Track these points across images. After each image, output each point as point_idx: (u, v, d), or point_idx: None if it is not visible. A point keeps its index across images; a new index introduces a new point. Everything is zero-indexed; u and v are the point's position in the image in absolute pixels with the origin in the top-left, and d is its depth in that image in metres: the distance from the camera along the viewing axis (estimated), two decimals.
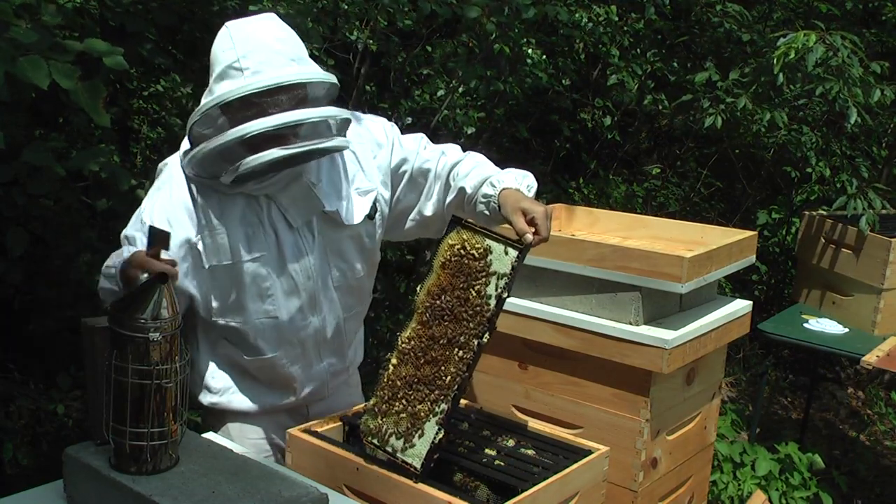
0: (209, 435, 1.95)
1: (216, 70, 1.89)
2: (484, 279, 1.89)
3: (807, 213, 4.25)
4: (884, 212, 3.97)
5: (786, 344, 4.11)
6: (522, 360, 2.66)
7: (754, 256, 2.86)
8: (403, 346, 1.94)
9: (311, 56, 2.08)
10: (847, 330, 3.84)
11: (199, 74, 3.37)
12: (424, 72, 4.85)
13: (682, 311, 2.66)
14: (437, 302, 1.92)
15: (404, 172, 2.17)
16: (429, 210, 2.19)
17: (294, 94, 1.87)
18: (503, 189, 2.00)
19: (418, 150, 2.17)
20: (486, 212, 2.03)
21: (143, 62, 3.06)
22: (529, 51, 4.76)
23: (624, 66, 5.11)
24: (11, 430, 2.88)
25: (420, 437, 1.86)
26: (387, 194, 2.17)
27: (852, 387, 5.43)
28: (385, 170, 2.15)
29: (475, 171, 2.11)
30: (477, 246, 1.92)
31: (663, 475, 2.62)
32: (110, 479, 1.57)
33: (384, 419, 1.92)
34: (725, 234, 2.82)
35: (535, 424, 2.19)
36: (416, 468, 1.82)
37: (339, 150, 2.00)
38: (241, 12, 3.44)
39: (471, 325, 1.87)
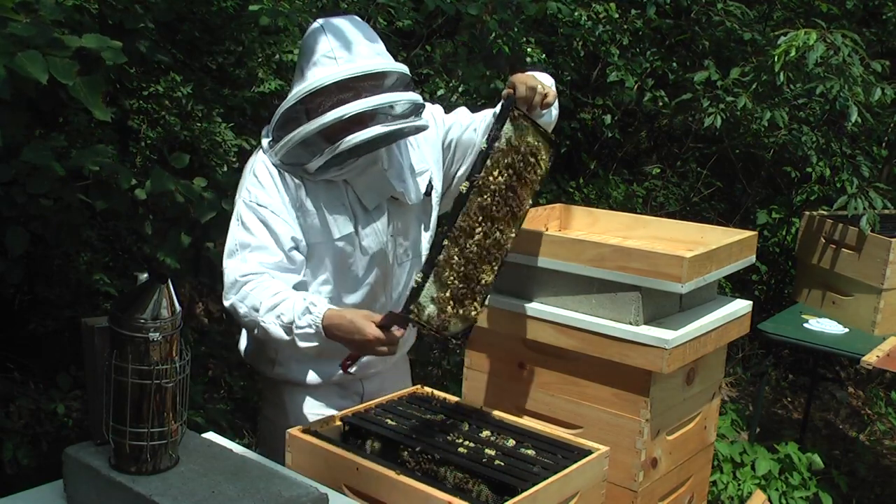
0: (209, 435, 1.95)
1: (309, 58, 2.06)
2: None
3: (807, 213, 4.25)
4: (885, 212, 3.97)
5: (786, 344, 4.11)
6: (522, 360, 2.66)
7: (754, 256, 2.86)
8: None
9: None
10: (847, 330, 3.84)
11: (199, 74, 3.37)
12: (424, 71, 4.85)
13: (682, 311, 2.66)
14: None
15: (451, 140, 2.34)
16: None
17: (378, 83, 2.05)
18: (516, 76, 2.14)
19: (459, 119, 2.36)
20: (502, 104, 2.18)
21: (142, 61, 3.05)
22: (529, 49, 4.76)
23: (624, 65, 5.11)
24: (11, 430, 2.88)
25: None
26: (439, 172, 2.34)
27: (852, 387, 5.43)
28: (438, 146, 2.33)
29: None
30: None
31: (663, 475, 2.62)
32: (110, 479, 1.57)
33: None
34: (725, 234, 2.81)
35: (535, 424, 2.18)
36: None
37: (424, 129, 2.18)
38: (241, 12, 3.45)
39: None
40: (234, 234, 2.14)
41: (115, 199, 2.60)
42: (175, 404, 1.60)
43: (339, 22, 2.09)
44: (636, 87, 5.28)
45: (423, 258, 2.36)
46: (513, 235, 2.09)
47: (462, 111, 2.41)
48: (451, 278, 1.99)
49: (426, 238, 2.37)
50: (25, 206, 2.52)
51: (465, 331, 2.05)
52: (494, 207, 2.03)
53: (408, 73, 2.12)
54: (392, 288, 2.32)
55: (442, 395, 2.30)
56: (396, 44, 4.58)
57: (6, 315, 3.13)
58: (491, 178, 2.02)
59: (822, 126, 4.88)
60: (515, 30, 4.47)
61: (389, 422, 2.12)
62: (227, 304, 2.09)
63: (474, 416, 2.19)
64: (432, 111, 2.34)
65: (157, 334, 1.54)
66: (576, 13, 4.88)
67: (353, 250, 2.21)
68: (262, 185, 2.14)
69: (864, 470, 4.37)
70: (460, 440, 2.04)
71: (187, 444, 1.69)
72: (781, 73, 3.95)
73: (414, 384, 2.44)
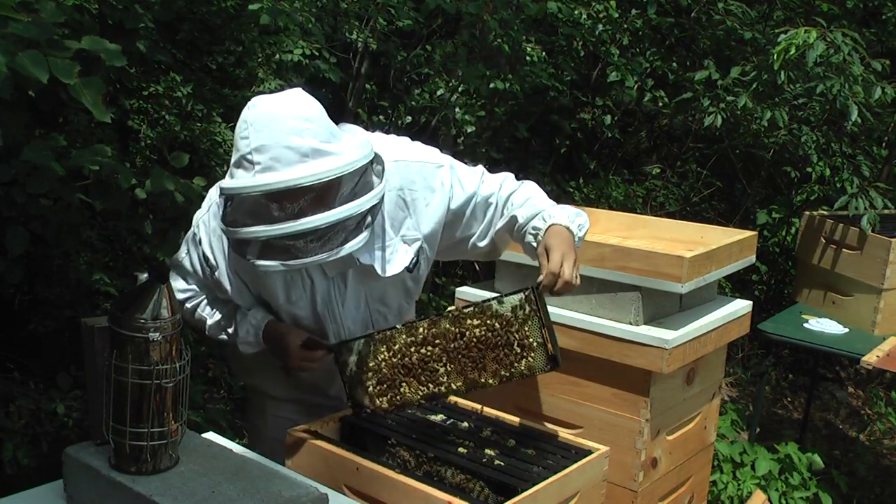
0: (209, 435, 1.95)
1: (234, 155, 1.86)
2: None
3: (807, 213, 4.25)
4: (886, 211, 3.97)
5: (786, 344, 4.11)
6: None
7: (754, 256, 2.86)
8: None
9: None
10: (847, 330, 3.83)
11: (199, 74, 3.37)
12: (424, 71, 4.86)
13: (682, 311, 2.66)
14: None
15: (465, 211, 2.15)
16: (485, 240, 2.19)
17: (308, 194, 1.81)
18: (552, 224, 2.01)
19: (478, 187, 2.14)
20: (534, 244, 2.03)
21: (142, 61, 3.05)
22: (529, 48, 4.76)
23: (624, 65, 5.11)
24: (11, 430, 2.88)
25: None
26: (435, 239, 2.14)
27: (852, 387, 5.43)
28: (440, 215, 2.11)
29: (529, 202, 2.11)
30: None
31: (663, 475, 2.62)
32: (110, 479, 1.57)
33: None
34: (725, 234, 2.82)
35: (535, 424, 2.18)
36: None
37: (344, 255, 1.92)
38: (241, 11, 3.45)
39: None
40: (181, 251, 2.19)
41: (114, 199, 2.60)
42: (175, 404, 1.60)
43: (269, 114, 1.82)
44: (636, 87, 5.28)
45: (402, 320, 2.27)
46: (453, 389, 1.95)
47: (481, 176, 2.16)
48: (382, 358, 1.98)
49: (409, 302, 2.25)
50: (25, 206, 2.52)
51: (365, 408, 2.04)
52: (453, 345, 1.92)
53: (337, 173, 1.81)
54: None
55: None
56: (396, 44, 4.58)
57: (6, 315, 3.13)
58: (469, 321, 1.91)
59: (822, 126, 4.88)
60: (515, 29, 4.47)
61: (389, 421, 2.12)
62: None
63: (474, 417, 2.19)
64: (442, 176, 2.09)
65: (157, 334, 1.54)
66: (576, 12, 4.88)
67: (306, 315, 2.12)
68: (213, 227, 2.08)
69: (864, 470, 4.37)
70: (460, 440, 2.04)
71: (187, 444, 1.68)
72: (782, 72, 3.95)
73: None
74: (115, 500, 1.57)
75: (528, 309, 1.88)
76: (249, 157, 1.81)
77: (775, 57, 3.85)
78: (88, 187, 2.57)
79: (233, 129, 2.11)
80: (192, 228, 2.17)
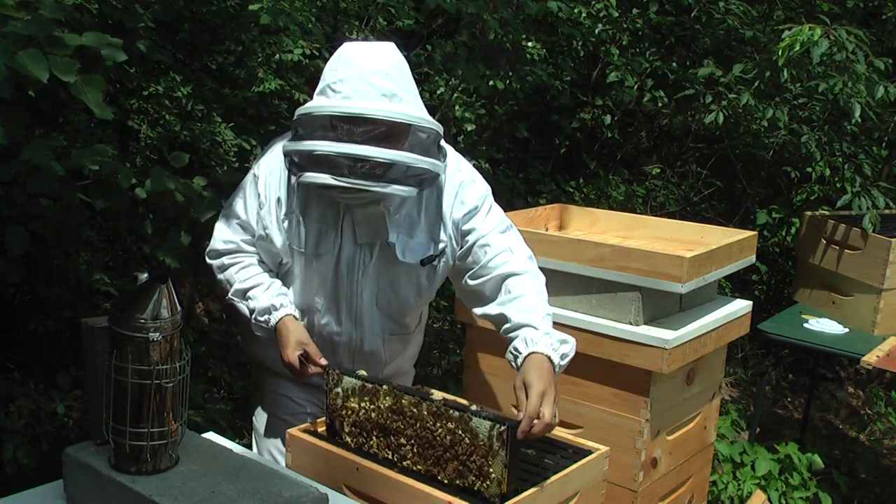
0: (209, 435, 1.95)
1: (320, 84, 2.03)
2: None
3: (807, 213, 4.25)
4: (886, 211, 3.97)
5: (786, 344, 4.11)
6: None
7: (754, 256, 2.86)
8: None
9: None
10: (847, 330, 3.83)
11: (199, 74, 3.37)
12: (424, 71, 4.85)
13: (682, 311, 2.67)
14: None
15: (468, 240, 2.19)
16: (475, 282, 2.19)
17: (375, 129, 1.92)
18: (532, 352, 1.96)
19: (492, 231, 2.18)
20: (513, 365, 2.02)
21: (142, 61, 3.05)
22: (529, 45, 4.76)
23: (624, 65, 5.12)
24: (11, 430, 2.88)
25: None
26: (455, 251, 2.20)
27: (852, 387, 5.43)
28: (457, 226, 2.18)
29: (521, 301, 2.08)
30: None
31: (663, 475, 2.62)
32: (110, 479, 1.57)
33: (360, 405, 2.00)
34: (725, 234, 2.82)
35: None
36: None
37: (385, 200, 2.03)
38: (241, 11, 3.45)
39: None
40: (236, 195, 2.24)
41: (114, 199, 2.59)
42: (175, 404, 1.60)
43: (361, 53, 2.00)
44: (636, 87, 5.28)
45: (411, 321, 2.32)
46: (412, 469, 1.91)
47: (501, 224, 2.21)
48: (363, 406, 1.98)
49: (417, 298, 2.25)
50: (25, 205, 2.52)
51: (340, 436, 2.03)
52: (423, 434, 1.89)
53: (408, 121, 1.96)
54: (361, 325, 2.23)
55: (441, 395, 2.30)
56: (396, 44, 4.58)
57: (6, 315, 3.13)
58: (444, 421, 1.86)
59: (823, 125, 4.88)
60: (515, 28, 4.47)
61: None
62: (206, 258, 2.30)
63: None
64: (478, 198, 2.18)
65: (157, 334, 1.54)
66: (575, 10, 4.88)
67: (326, 272, 2.16)
68: (271, 168, 2.16)
69: (864, 470, 4.37)
70: None
71: (187, 444, 1.68)
72: (785, 70, 3.94)
73: (414, 384, 2.44)
74: (115, 500, 1.57)
75: (497, 444, 1.80)
76: (333, 85, 1.97)
77: (779, 53, 3.85)
78: (88, 187, 2.57)
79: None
80: (251, 171, 2.22)
